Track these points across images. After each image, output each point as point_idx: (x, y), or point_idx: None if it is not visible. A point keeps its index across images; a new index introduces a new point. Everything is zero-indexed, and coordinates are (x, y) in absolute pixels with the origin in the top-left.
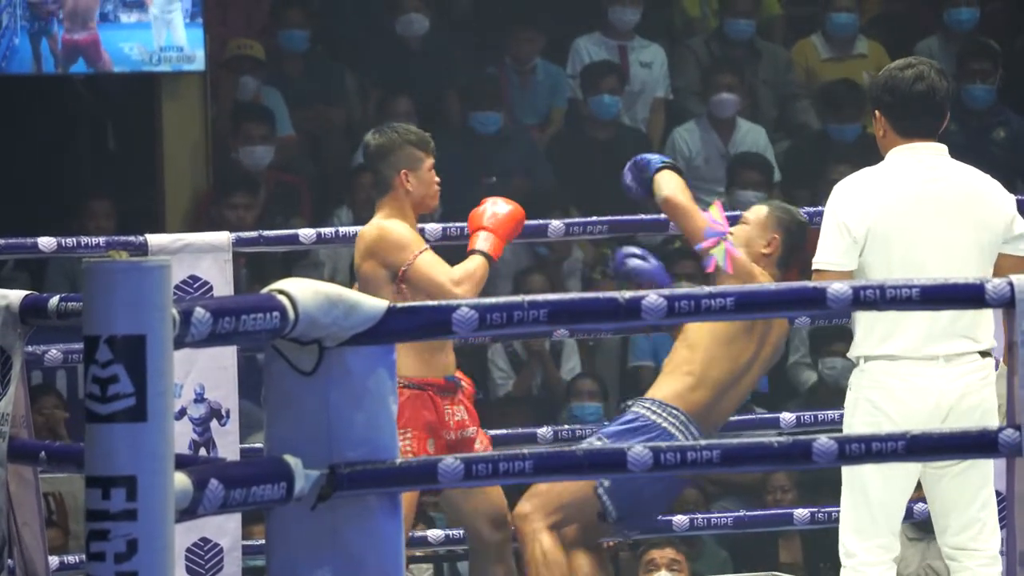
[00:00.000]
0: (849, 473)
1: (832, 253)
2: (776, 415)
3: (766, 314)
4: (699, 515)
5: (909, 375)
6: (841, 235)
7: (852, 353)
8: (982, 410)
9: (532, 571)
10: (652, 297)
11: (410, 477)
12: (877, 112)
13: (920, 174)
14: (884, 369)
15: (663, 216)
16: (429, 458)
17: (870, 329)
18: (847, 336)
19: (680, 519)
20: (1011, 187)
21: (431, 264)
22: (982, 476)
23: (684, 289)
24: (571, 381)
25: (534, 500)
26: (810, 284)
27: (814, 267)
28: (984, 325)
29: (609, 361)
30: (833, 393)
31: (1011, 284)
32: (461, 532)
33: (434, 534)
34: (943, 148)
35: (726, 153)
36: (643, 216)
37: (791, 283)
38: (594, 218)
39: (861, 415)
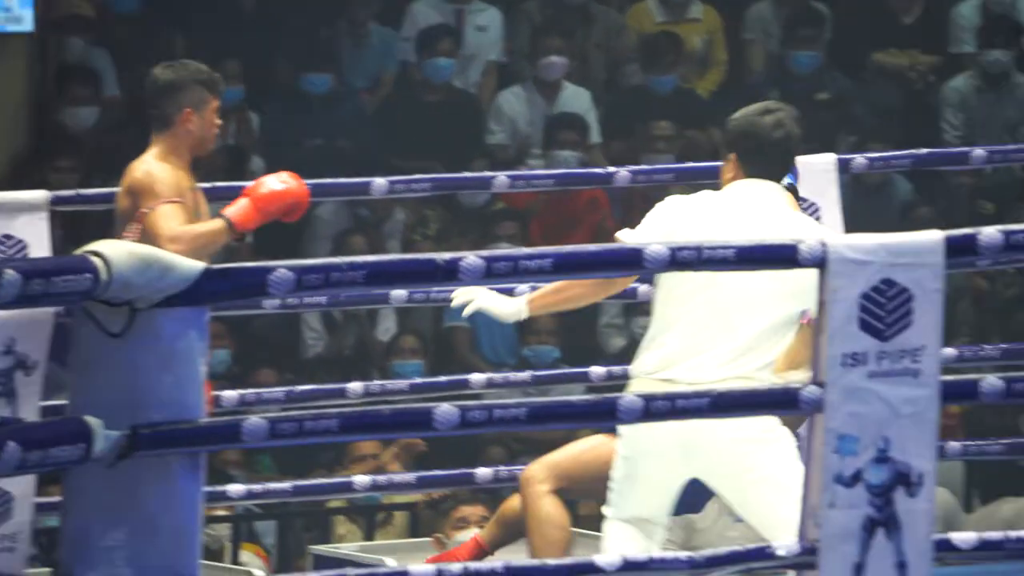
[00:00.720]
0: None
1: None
2: (585, 369)
3: (585, 275)
4: (502, 467)
5: None
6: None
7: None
8: (755, 474)
9: (532, 533)
10: (470, 259)
11: (213, 437)
12: (732, 156)
13: (741, 210)
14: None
15: (487, 174)
16: (233, 419)
17: (649, 348)
18: None
19: (484, 472)
20: (832, 147)
21: (164, 215)
22: (770, 493)
23: (502, 251)
24: (393, 339)
25: (544, 463)
26: (627, 245)
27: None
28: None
29: (424, 323)
30: None
31: (824, 244)
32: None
33: (234, 489)
34: (776, 188)
35: (550, 115)
36: (466, 175)
37: (609, 244)
38: (417, 175)
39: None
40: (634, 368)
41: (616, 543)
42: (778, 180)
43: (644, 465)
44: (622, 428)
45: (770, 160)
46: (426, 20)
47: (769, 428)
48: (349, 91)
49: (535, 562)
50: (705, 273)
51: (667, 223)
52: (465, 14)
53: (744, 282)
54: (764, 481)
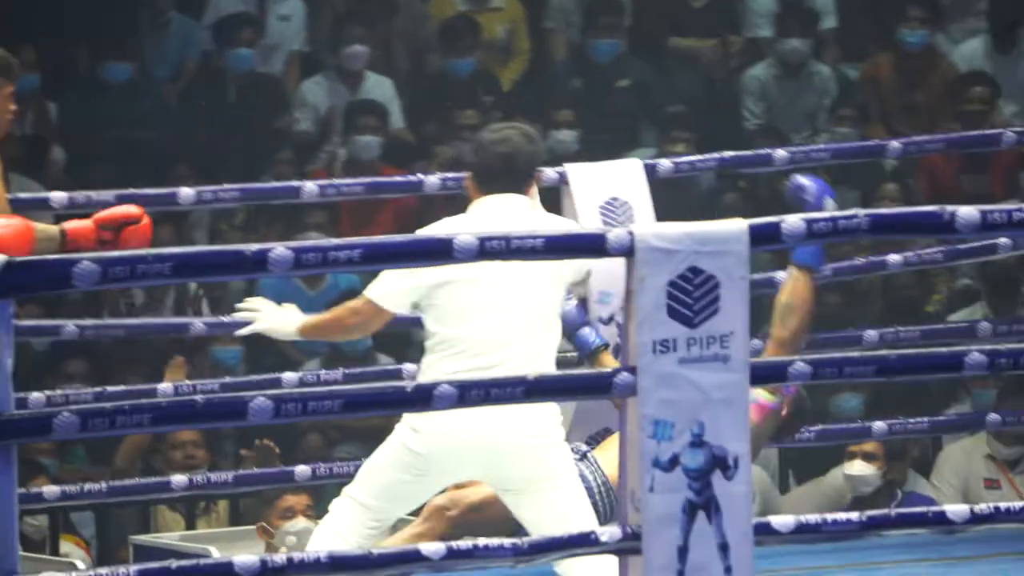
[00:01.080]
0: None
1: (383, 288)
2: (399, 366)
3: (395, 265)
4: (321, 465)
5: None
6: (401, 277)
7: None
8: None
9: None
10: (279, 250)
11: (24, 430)
12: (469, 176)
13: (495, 224)
14: None
15: (295, 184)
16: (45, 411)
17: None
18: None
19: (303, 469)
20: (635, 137)
21: None
22: (567, 498)
23: (311, 242)
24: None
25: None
26: (437, 235)
27: (365, 292)
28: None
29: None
30: None
31: (631, 234)
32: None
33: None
34: (523, 200)
35: (350, 102)
36: (274, 184)
37: (418, 235)
38: (226, 185)
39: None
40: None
41: (346, 525)
42: (519, 192)
43: (440, 465)
44: (422, 425)
45: (492, 175)
46: (227, 9)
47: (559, 435)
48: (150, 81)
49: (360, 551)
50: (476, 292)
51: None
52: (267, 3)
53: (514, 295)
54: (559, 489)
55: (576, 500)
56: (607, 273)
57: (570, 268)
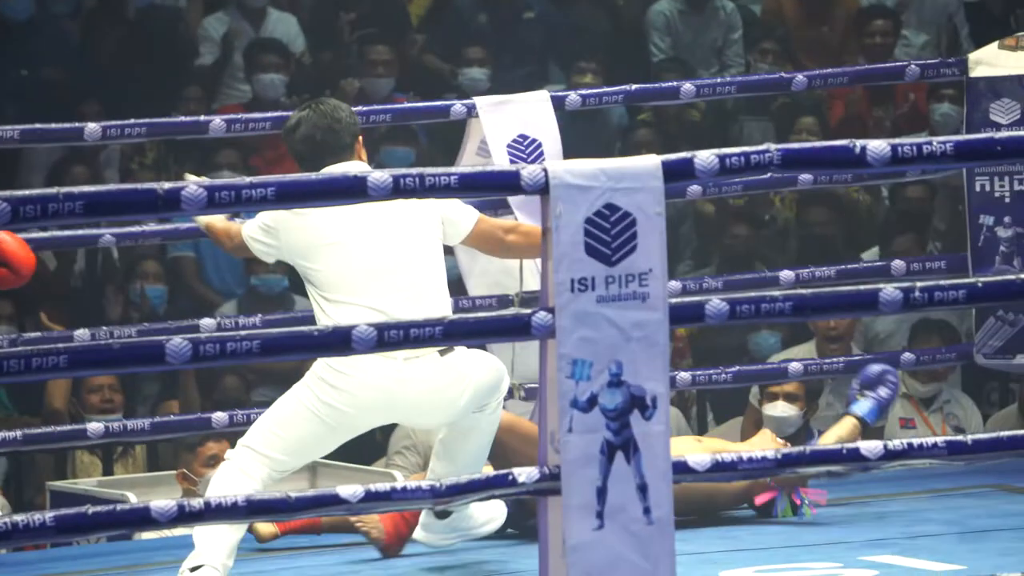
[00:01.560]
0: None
1: (252, 232)
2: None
3: (308, 204)
4: (239, 412)
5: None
6: (264, 234)
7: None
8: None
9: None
10: (192, 188)
11: None
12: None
13: None
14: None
15: (203, 118)
16: None
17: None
18: None
19: (219, 416)
20: (545, 71)
21: None
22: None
23: (224, 180)
24: (135, 265)
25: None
26: (352, 174)
27: (244, 224)
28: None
29: (152, 252)
30: None
31: (545, 171)
32: None
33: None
34: (358, 164)
35: (253, 40)
36: (182, 119)
37: (332, 174)
38: (132, 120)
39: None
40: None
41: (246, 478)
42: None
43: (356, 419)
44: (340, 381)
45: (312, 156)
46: None
47: (465, 387)
48: (50, 17)
49: (278, 494)
50: (347, 245)
51: (278, 223)
52: None
53: (390, 238)
54: (470, 431)
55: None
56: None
57: (433, 223)
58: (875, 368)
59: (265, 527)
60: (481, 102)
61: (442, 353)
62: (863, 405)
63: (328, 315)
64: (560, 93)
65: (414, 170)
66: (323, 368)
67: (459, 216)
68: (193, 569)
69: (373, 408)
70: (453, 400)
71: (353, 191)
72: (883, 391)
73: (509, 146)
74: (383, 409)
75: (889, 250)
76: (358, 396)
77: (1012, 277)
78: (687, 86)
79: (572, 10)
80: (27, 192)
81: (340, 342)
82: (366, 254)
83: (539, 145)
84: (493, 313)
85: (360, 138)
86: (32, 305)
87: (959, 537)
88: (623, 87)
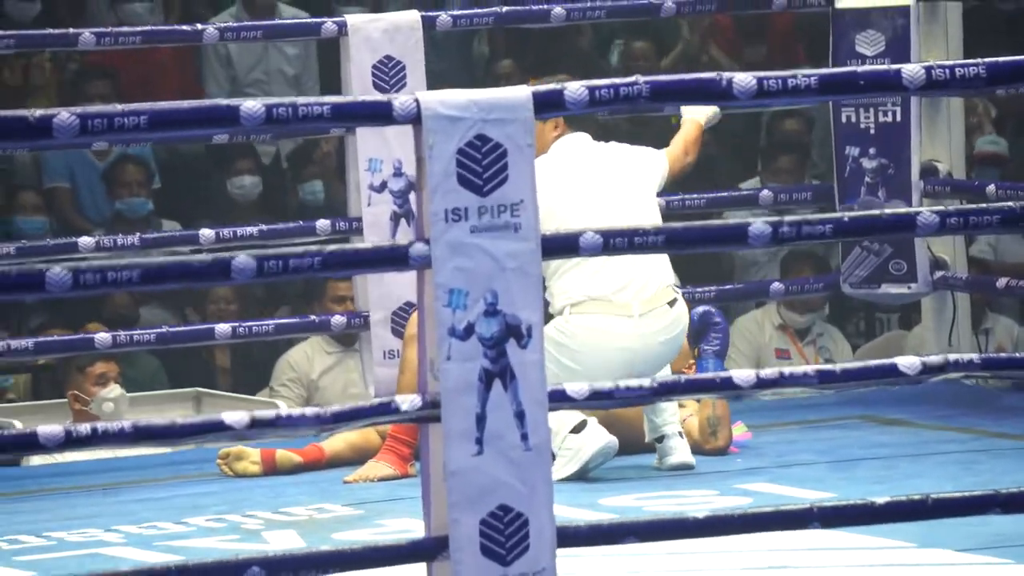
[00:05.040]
0: None
1: None
2: (195, 231)
3: (182, 131)
4: (122, 332)
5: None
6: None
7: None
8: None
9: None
10: (64, 116)
11: None
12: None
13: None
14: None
15: (72, 31)
16: None
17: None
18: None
19: (103, 336)
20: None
21: None
22: None
23: (97, 108)
24: (14, 196)
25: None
26: (224, 102)
27: None
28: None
29: (31, 184)
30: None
31: (417, 101)
32: None
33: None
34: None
35: None
36: (50, 31)
37: (202, 101)
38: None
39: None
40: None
41: None
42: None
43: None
44: (577, 345)
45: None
46: None
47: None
48: None
49: (164, 421)
50: (588, 210)
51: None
52: None
53: (621, 201)
54: None
55: None
56: (377, 139)
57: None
58: (696, 318)
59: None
60: (352, 19)
61: (671, 304)
62: (708, 365)
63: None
64: (431, 13)
65: (287, 100)
66: (559, 333)
67: (658, 163)
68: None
69: (612, 365)
70: (679, 347)
71: (225, 120)
72: (713, 338)
73: (374, 67)
74: (622, 365)
75: (771, 178)
76: (601, 357)
77: (878, 212)
78: (557, 9)
79: None
80: None
81: (220, 271)
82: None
83: (403, 68)
84: (371, 245)
85: None
86: None
87: (829, 466)
88: (493, 9)
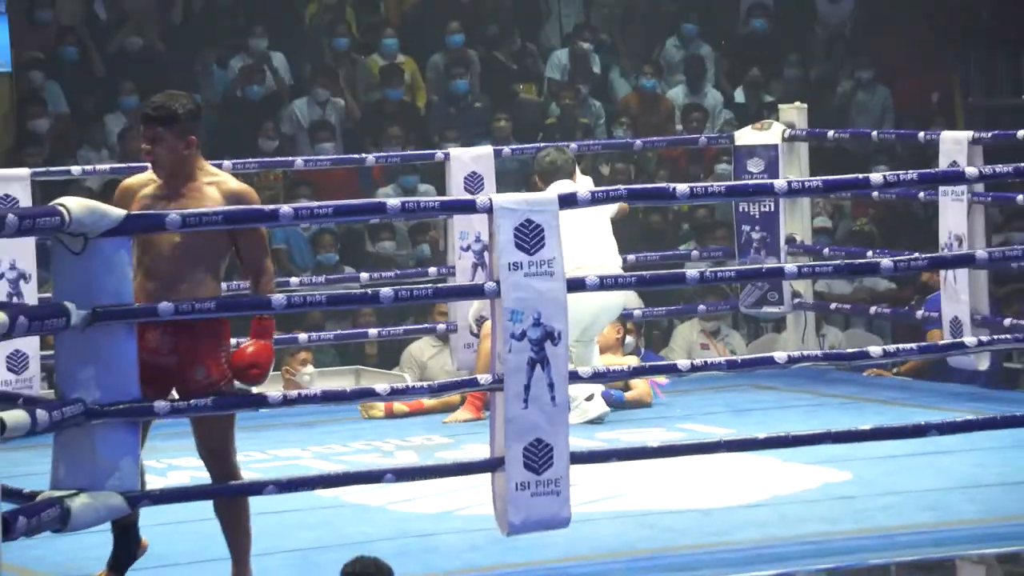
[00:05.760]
0: None
1: None
2: (358, 274)
3: (351, 218)
4: (313, 334)
5: None
6: None
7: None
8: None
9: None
10: (285, 207)
11: (137, 313)
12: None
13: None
14: None
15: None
16: (151, 304)
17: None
18: None
19: (303, 336)
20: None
21: None
22: None
23: (302, 203)
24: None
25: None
26: (381, 200)
27: None
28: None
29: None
30: (386, 261)
31: (490, 199)
32: None
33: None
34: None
35: None
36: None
37: (366, 200)
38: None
39: None
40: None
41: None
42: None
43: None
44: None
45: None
46: None
47: None
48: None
49: (342, 388)
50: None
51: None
52: None
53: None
54: None
55: None
56: (466, 220)
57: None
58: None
59: (377, 409)
60: (452, 151)
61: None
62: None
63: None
64: (499, 147)
65: (414, 198)
66: None
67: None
68: (588, 398)
69: (587, 309)
70: (622, 305)
71: (377, 210)
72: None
73: (465, 178)
74: (595, 309)
75: (700, 243)
76: (582, 304)
77: (758, 265)
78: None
79: None
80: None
81: (371, 299)
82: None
83: (483, 179)
84: (466, 284)
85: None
86: None
87: (731, 414)
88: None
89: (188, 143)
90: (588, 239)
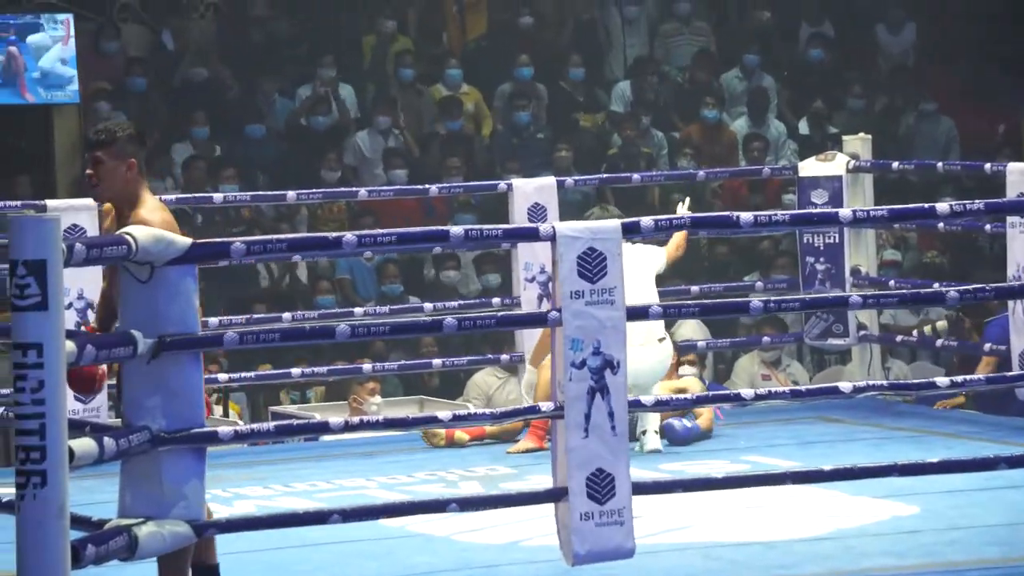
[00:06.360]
0: None
1: None
2: (421, 304)
3: (415, 246)
4: (378, 363)
5: None
6: None
7: None
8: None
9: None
10: (349, 235)
11: (206, 342)
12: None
13: None
14: None
15: None
16: (217, 332)
17: None
18: None
19: (367, 366)
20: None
21: None
22: None
23: (366, 231)
24: (316, 282)
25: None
26: (447, 228)
27: None
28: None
29: (326, 274)
30: (450, 290)
31: (553, 228)
32: None
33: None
34: None
35: None
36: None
37: (424, 228)
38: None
39: None
40: None
41: None
42: None
43: None
44: None
45: None
46: None
47: None
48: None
49: (403, 415)
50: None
51: None
52: None
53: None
54: None
55: None
56: (530, 250)
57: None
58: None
59: (440, 438)
60: (515, 182)
61: (660, 341)
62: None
63: None
64: (562, 178)
65: (479, 226)
66: None
67: (658, 257)
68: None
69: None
70: (665, 367)
71: (441, 239)
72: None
73: (529, 209)
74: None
75: (763, 274)
76: None
77: (825, 294)
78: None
79: None
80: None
81: (436, 327)
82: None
83: (545, 209)
84: (529, 311)
85: None
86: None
87: (796, 445)
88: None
89: (129, 166)
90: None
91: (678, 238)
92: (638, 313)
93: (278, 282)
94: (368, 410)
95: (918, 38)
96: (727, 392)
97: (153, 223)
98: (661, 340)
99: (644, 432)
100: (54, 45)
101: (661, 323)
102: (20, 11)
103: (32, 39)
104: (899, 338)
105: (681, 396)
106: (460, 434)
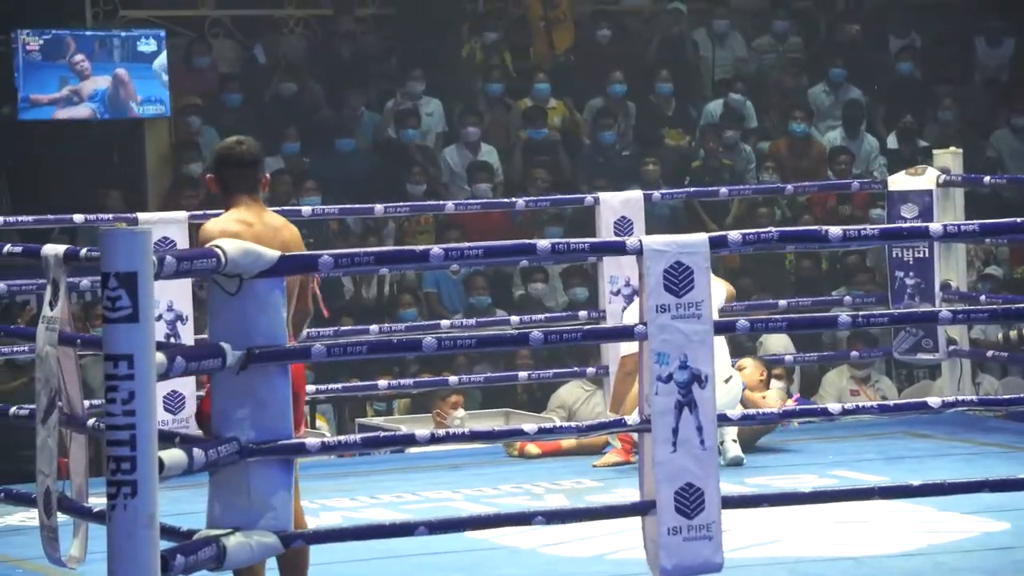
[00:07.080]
0: None
1: None
2: (508, 318)
3: (502, 259)
4: (463, 376)
5: None
6: None
7: None
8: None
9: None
10: (436, 248)
11: (294, 355)
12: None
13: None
14: None
15: None
16: (305, 344)
17: None
18: None
19: (453, 379)
20: None
21: None
22: None
23: (452, 244)
24: (399, 295)
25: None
26: (534, 242)
27: None
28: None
29: (412, 287)
30: (536, 304)
31: (640, 241)
32: None
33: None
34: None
35: None
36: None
37: (512, 242)
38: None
39: None
40: None
41: None
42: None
43: None
44: None
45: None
46: None
47: None
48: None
49: (488, 428)
50: None
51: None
52: None
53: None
54: None
55: None
56: (616, 263)
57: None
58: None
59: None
60: (602, 196)
61: (726, 381)
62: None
63: None
64: (649, 191)
65: (565, 240)
66: None
67: (721, 290)
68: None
69: None
70: (734, 403)
71: (528, 252)
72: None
73: (615, 222)
74: None
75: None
76: None
77: (915, 309)
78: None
79: None
80: (341, 251)
81: (521, 340)
82: None
83: (632, 223)
84: (616, 325)
85: None
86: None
87: (884, 461)
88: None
89: (209, 182)
90: None
91: (729, 285)
92: (726, 327)
93: (359, 295)
94: (451, 424)
95: (1017, 51)
96: (814, 406)
97: (205, 230)
98: (727, 380)
99: (723, 442)
100: (155, 60)
101: (728, 363)
102: (115, 26)
103: (135, 57)
104: (989, 353)
105: (769, 410)
106: (531, 447)
